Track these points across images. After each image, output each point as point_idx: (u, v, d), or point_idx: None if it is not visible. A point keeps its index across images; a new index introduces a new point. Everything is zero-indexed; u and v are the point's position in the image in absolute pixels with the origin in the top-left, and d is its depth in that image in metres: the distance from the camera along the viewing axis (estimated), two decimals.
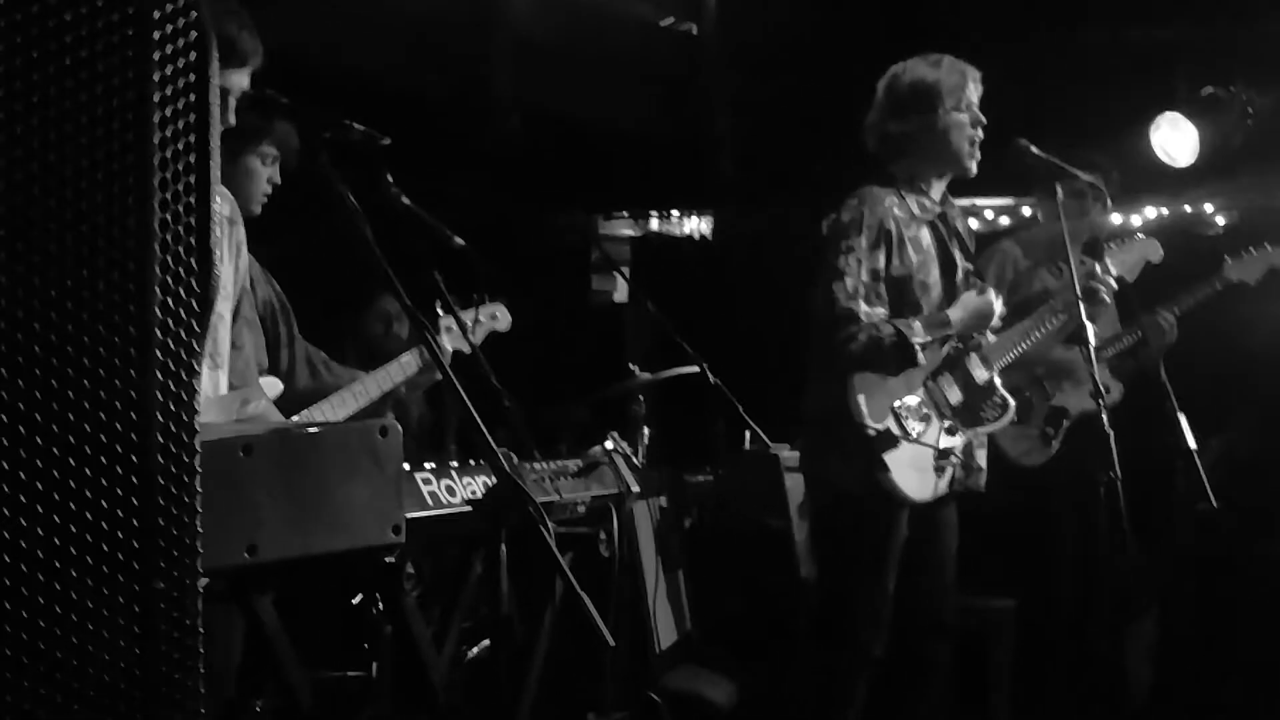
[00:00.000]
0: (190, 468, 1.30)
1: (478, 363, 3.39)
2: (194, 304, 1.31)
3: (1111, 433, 3.64)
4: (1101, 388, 3.70)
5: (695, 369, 5.12)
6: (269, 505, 1.68)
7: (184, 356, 1.30)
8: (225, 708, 2.43)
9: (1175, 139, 5.74)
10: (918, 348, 3.68)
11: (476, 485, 2.75)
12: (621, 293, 7.75)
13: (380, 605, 2.77)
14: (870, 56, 4.05)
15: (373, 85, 5.49)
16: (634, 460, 4.99)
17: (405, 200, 3.80)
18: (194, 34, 1.30)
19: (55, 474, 1.23)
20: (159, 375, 1.28)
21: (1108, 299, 4.08)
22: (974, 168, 3.83)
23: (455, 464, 2.82)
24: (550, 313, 4.50)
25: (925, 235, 3.86)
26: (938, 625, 3.89)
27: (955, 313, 3.79)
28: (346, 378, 3.79)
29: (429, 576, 3.23)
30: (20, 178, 1.21)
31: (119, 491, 1.25)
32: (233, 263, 2.72)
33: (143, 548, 1.27)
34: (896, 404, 3.73)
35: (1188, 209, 6.98)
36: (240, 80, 2.54)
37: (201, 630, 1.32)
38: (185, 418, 1.30)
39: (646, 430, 5.21)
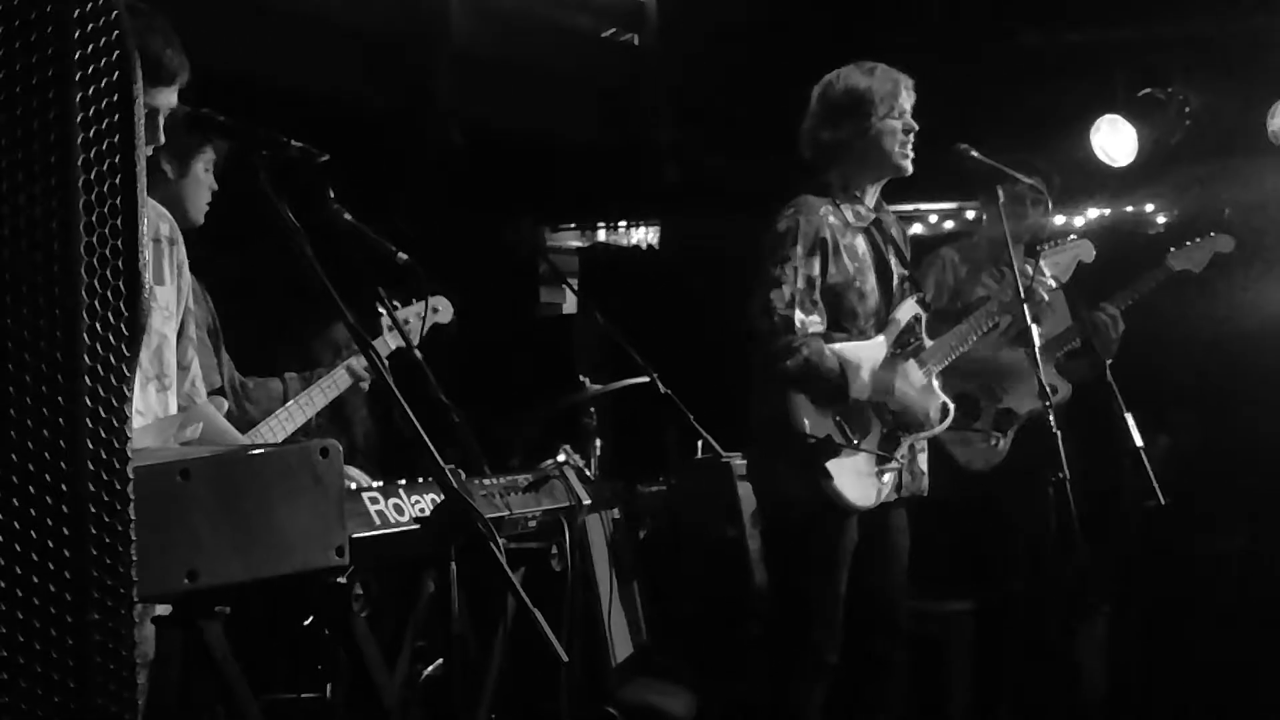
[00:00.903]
0: (123, 495, 1.28)
1: (425, 378, 3.38)
2: (124, 328, 1.28)
3: (1059, 432, 3.67)
4: (1048, 388, 3.73)
5: (646, 379, 5.11)
6: (209, 530, 1.65)
7: (114, 382, 1.27)
8: None
9: (1115, 140, 5.81)
10: (851, 397, 3.71)
11: (425, 503, 2.73)
12: (570, 304, 7.73)
13: (329, 627, 2.74)
14: (812, 64, 4.06)
15: (314, 100, 5.45)
16: (586, 472, 4.98)
17: (347, 216, 3.78)
18: (117, 53, 1.28)
19: None
20: (88, 402, 1.25)
21: (1046, 298, 4.12)
22: (909, 166, 3.86)
23: (403, 482, 2.80)
24: (499, 326, 4.47)
25: (861, 243, 3.89)
26: (892, 627, 3.91)
27: (899, 391, 3.80)
28: (264, 400, 3.76)
29: (378, 596, 3.20)
30: None
31: (49, 522, 1.22)
32: (174, 283, 2.68)
33: (75, 579, 1.24)
34: (837, 410, 3.76)
35: (1129, 209, 7.06)
36: (168, 98, 2.49)
37: (137, 661, 1.29)
38: (117, 444, 1.27)
39: (598, 442, 5.19)
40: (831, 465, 3.69)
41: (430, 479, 2.64)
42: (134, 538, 1.29)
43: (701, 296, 7.06)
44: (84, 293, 1.25)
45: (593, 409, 5.13)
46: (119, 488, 1.28)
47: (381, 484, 2.76)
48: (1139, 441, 3.95)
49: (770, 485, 3.89)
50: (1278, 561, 5.54)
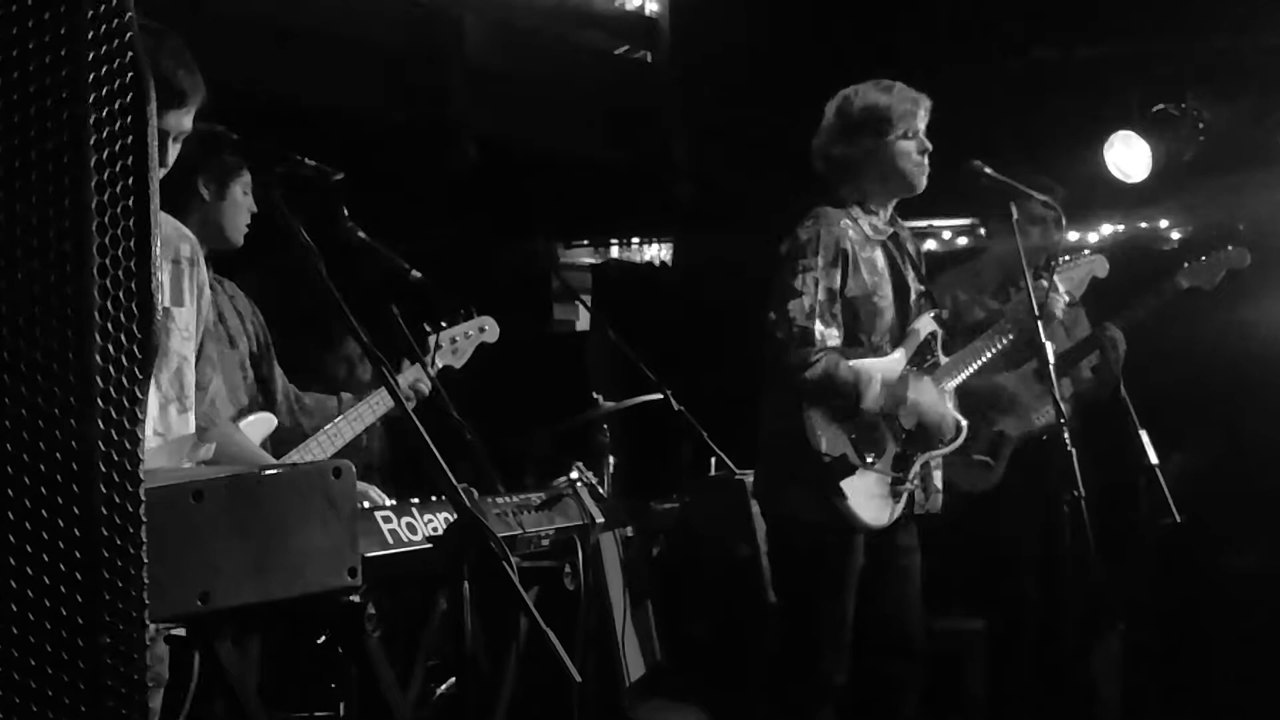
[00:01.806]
0: (135, 517, 1.27)
1: (438, 395, 3.38)
2: (136, 350, 1.28)
3: (1074, 450, 3.65)
4: (1061, 406, 3.72)
5: (659, 396, 5.10)
6: (221, 551, 1.64)
7: (126, 404, 1.27)
8: None
9: (1129, 156, 5.80)
10: (865, 408, 3.69)
11: (438, 521, 2.73)
12: (583, 321, 7.73)
13: (342, 646, 2.73)
14: (825, 81, 4.06)
15: (328, 117, 5.47)
16: (599, 490, 4.97)
17: (361, 235, 3.79)
18: (131, 74, 1.28)
19: None
20: (101, 423, 1.25)
21: (1060, 315, 4.11)
22: (923, 185, 3.85)
23: (416, 500, 2.79)
24: (512, 343, 4.49)
25: (879, 256, 3.87)
26: (906, 647, 3.88)
27: (912, 401, 3.77)
28: (319, 415, 3.77)
29: (391, 615, 3.20)
30: None
31: (61, 545, 1.22)
32: (194, 304, 2.68)
33: (86, 601, 1.23)
34: (852, 429, 3.73)
35: (1143, 225, 7.04)
36: (180, 121, 2.47)
37: (150, 683, 1.29)
38: (129, 465, 1.26)
39: (611, 459, 5.19)
40: (845, 484, 3.67)
41: (443, 497, 2.64)
42: (146, 560, 1.29)
43: (714, 313, 7.06)
44: (97, 314, 1.25)
45: (606, 426, 5.13)
46: (131, 509, 1.27)
47: (395, 503, 2.76)
48: (1154, 459, 3.93)
49: (780, 503, 3.86)
50: None
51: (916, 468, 3.82)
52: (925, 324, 3.90)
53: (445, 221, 6.26)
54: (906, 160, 3.80)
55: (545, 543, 3.08)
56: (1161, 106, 5.88)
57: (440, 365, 3.91)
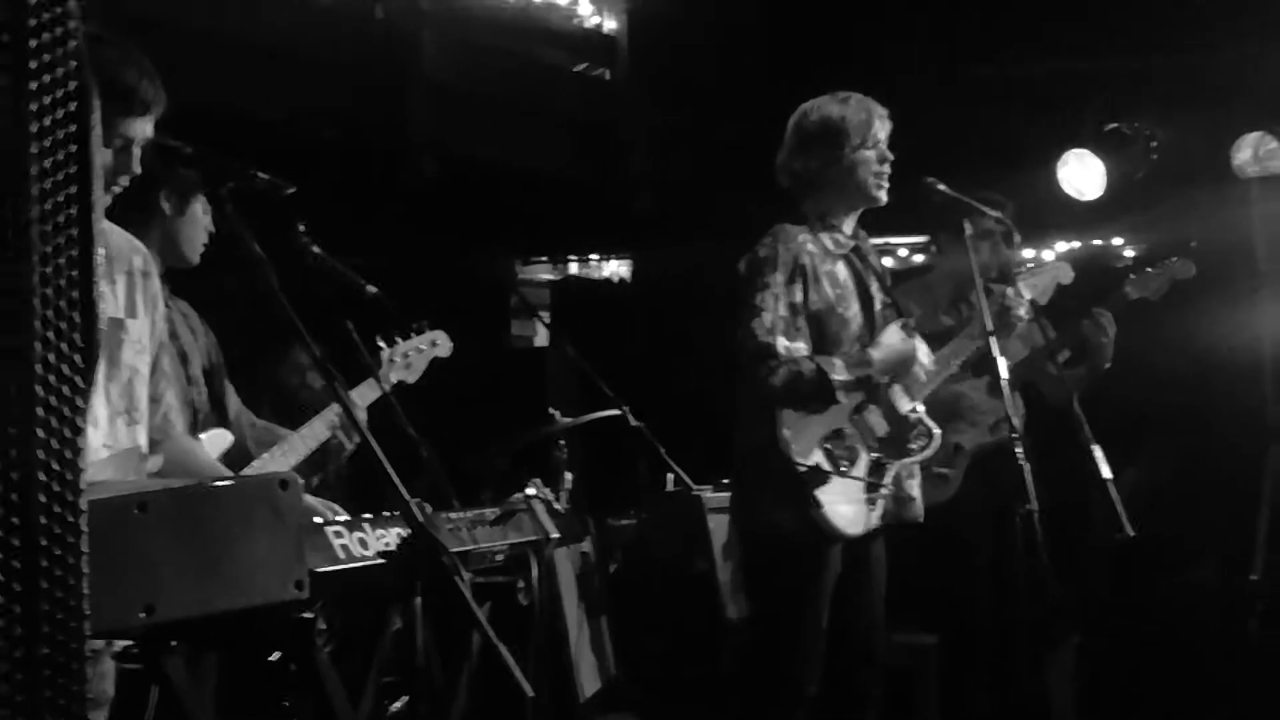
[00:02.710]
0: (75, 528, 1.26)
1: (394, 411, 3.36)
2: (77, 361, 1.27)
3: (1027, 464, 3.67)
4: (1014, 420, 3.74)
5: (616, 412, 5.11)
6: (166, 564, 1.63)
7: (67, 414, 1.26)
8: None
9: (1082, 174, 5.87)
10: (837, 385, 3.70)
11: (390, 537, 2.71)
12: (542, 337, 7.73)
13: (293, 662, 2.71)
14: (782, 97, 4.09)
15: (285, 131, 5.46)
16: (556, 506, 4.96)
17: (316, 249, 3.78)
18: (74, 84, 1.27)
19: None
20: (40, 433, 1.23)
21: (1022, 324, 4.13)
22: (884, 196, 3.87)
23: (369, 516, 2.78)
24: (469, 358, 4.48)
25: (842, 270, 3.89)
26: (869, 659, 3.89)
27: (876, 353, 3.81)
28: (268, 437, 3.74)
29: (344, 631, 3.18)
30: None
31: None
32: (148, 316, 2.66)
33: (24, 613, 1.22)
34: (824, 439, 3.75)
35: (1097, 242, 7.12)
36: (143, 128, 2.48)
37: (98, 700, 1.28)
38: (69, 476, 1.25)
39: (568, 475, 5.18)
40: (820, 493, 3.68)
41: (396, 513, 2.63)
42: (86, 571, 1.27)
43: (673, 330, 7.08)
44: (38, 324, 1.24)
45: (563, 442, 5.12)
46: (71, 520, 1.26)
47: (347, 518, 2.75)
48: (1107, 473, 3.95)
49: (755, 515, 3.85)
50: (1245, 592, 5.55)
51: (890, 475, 3.84)
52: (892, 334, 3.92)
53: (404, 237, 6.25)
54: (865, 171, 3.82)
55: (499, 558, 3.07)
56: (1115, 125, 5.95)
57: (395, 380, 3.89)
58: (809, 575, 3.74)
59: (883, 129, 3.87)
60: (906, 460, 3.88)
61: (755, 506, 3.84)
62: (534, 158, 6.67)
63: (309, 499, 3.13)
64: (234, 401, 3.78)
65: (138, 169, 2.51)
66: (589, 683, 4.73)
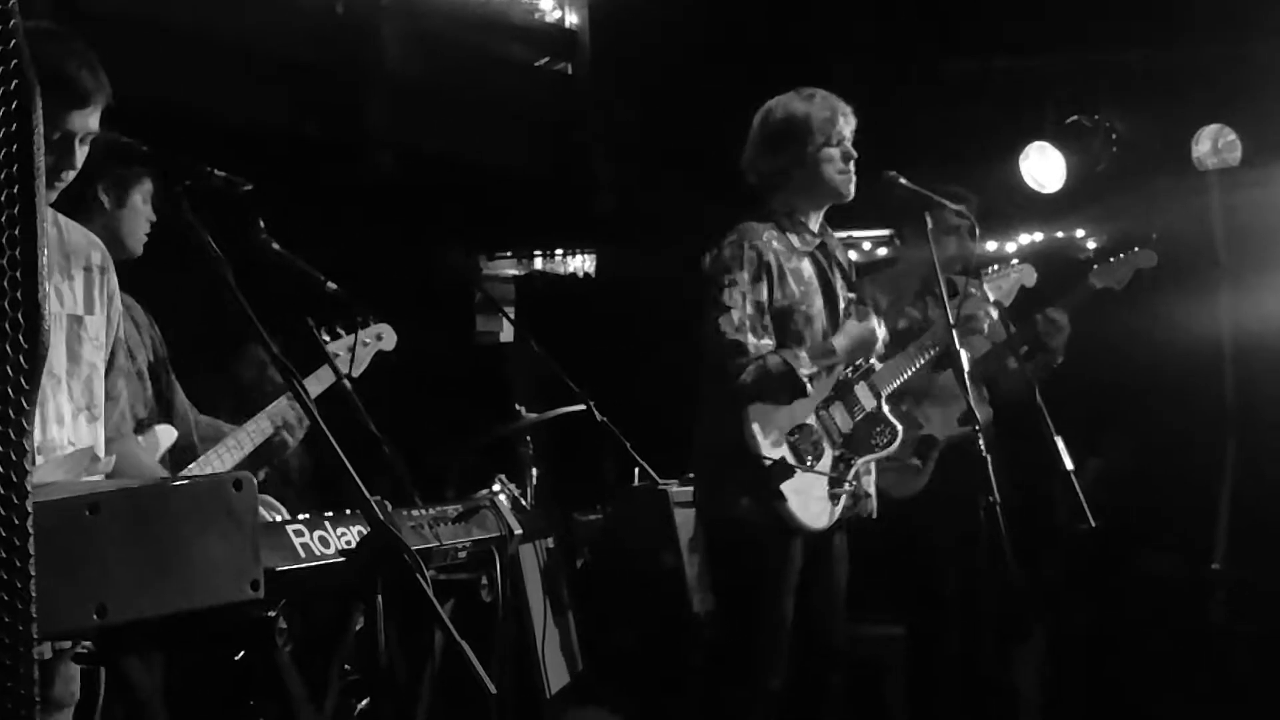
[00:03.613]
0: (22, 530, 1.24)
1: (355, 408, 3.34)
2: (22, 361, 1.25)
3: (989, 456, 3.69)
4: (976, 412, 3.76)
5: (582, 407, 5.10)
6: (119, 564, 1.61)
7: (12, 415, 1.24)
8: None
9: (1044, 166, 5.90)
10: (805, 378, 3.71)
11: (351, 535, 2.69)
12: (507, 333, 7.70)
13: (254, 662, 2.69)
14: (745, 94, 4.09)
15: (244, 128, 5.41)
16: (522, 502, 4.95)
17: (275, 246, 3.74)
18: (15, 82, 1.25)
19: None
20: None
21: (985, 327, 4.16)
22: (850, 192, 3.88)
23: (329, 514, 2.75)
24: (434, 354, 4.45)
25: (806, 267, 3.90)
26: (830, 652, 3.91)
27: (840, 341, 3.83)
28: (213, 433, 3.71)
29: (305, 630, 3.16)
30: None
31: None
32: (104, 312, 2.63)
33: None
34: (790, 433, 3.76)
35: (1059, 234, 7.16)
36: (85, 121, 2.43)
37: (38, 699, 1.26)
38: (15, 477, 1.23)
39: (535, 471, 5.18)
40: (785, 487, 3.69)
41: (357, 510, 2.61)
42: (34, 573, 1.26)
43: (638, 325, 7.07)
44: None
45: (529, 438, 5.12)
46: (17, 522, 1.24)
47: (307, 516, 2.72)
48: (1069, 464, 3.97)
49: (719, 507, 3.86)
50: (1208, 581, 5.60)
51: (855, 470, 3.85)
52: (852, 322, 3.93)
53: (365, 233, 6.22)
54: (830, 167, 3.83)
55: (462, 555, 3.05)
56: (1075, 118, 5.98)
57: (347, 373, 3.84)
58: (773, 567, 3.75)
59: (847, 125, 3.88)
60: (869, 456, 3.90)
61: (720, 498, 3.84)
62: (496, 153, 6.65)
63: None
64: (179, 397, 3.75)
65: (79, 162, 2.46)
66: (556, 678, 4.73)
